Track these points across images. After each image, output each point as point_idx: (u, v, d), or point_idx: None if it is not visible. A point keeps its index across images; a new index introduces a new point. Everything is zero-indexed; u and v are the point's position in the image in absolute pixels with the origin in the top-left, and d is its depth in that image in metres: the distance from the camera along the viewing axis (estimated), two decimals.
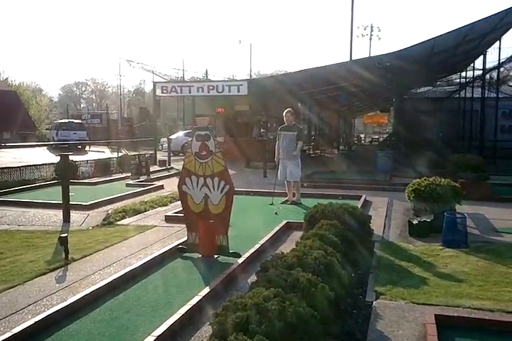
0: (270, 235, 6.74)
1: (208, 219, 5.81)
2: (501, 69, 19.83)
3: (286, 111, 9.77)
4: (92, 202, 9.45)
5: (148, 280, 5.11)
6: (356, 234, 5.73)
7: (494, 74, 20.14)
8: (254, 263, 5.37)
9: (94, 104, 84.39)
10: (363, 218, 6.32)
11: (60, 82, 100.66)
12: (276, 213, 8.68)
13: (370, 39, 47.18)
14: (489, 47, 19.50)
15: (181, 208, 8.44)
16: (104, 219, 8.41)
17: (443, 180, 8.01)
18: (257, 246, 6.11)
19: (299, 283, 3.56)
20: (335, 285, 3.94)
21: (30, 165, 13.74)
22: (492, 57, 19.65)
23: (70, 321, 4.00)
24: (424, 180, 8.13)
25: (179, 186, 6.04)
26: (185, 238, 6.16)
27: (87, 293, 4.47)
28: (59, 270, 5.52)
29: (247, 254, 5.73)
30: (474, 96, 21.93)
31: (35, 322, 3.83)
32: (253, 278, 4.26)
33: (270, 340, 2.75)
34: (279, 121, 9.71)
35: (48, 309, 4.20)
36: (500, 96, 19.53)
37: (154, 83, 20.67)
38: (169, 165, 18.61)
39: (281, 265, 4.03)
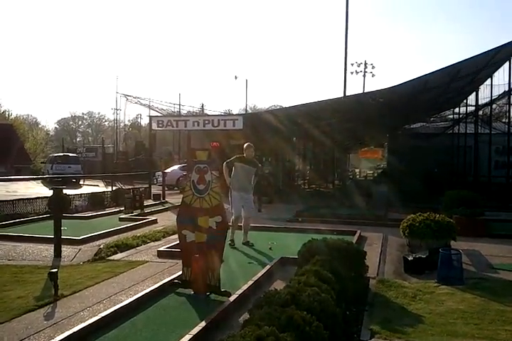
0: (264, 271, 6.65)
1: (202, 255, 5.72)
2: (493, 106, 20.12)
3: (247, 144, 9.30)
4: (84, 236, 9.34)
5: (139, 317, 4.99)
6: (351, 270, 5.66)
7: (487, 110, 20.43)
8: (248, 300, 5.28)
9: (90, 138, 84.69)
10: (358, 254, 6.26)
11: (57, 115, 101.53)
12: (270, 248, 8.60)
13: (364, 76, 47.93)
14: (481, 84, 19.87)
15: (174, 243, 8.44)
16: (95, 254, 8.30)
17: (437, 215, 8.00)
18: (250, 282, 6.02)
19: (293, 321, 3.48)
20: (329, 324, 3.86)
21: (23, 199, 13.66)
22: (485, 93, 19.98)
23: None
24: (419, 215, 8.12)
25: (178, 219, 6.01)
26: (179, 273, 6.07)
27: (75, 330, 4.36)
28: (48, 306, 5.40)
29: (240, 291, 5.63)
30: (468, 132, 22.18)
31: None
32: (246, 315, 4.17)
33: None
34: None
35: None
36: (493, 132, 19.74)
37: (150, 117, 20.81)
38: (163, 199, 18.53)
39: (275, 302, 3.96)
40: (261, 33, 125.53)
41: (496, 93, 19.06)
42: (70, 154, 36.80)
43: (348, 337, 4.43)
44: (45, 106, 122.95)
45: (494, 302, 5.56)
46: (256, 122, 18.76)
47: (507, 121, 18.15)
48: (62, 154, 35.93)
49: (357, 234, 9.70)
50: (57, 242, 8.16)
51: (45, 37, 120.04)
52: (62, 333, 4.35)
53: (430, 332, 4.60)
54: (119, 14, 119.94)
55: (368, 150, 40.16)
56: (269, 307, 3.79)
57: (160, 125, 19.59)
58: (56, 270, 5.96)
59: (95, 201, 15.67)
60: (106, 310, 5.05)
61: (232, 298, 5.40)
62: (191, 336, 4.19)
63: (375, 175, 39.22)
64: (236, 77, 51.12)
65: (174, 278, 6.11)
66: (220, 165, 9.01)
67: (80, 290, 6.01)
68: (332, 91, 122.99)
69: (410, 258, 7.27)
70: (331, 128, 22.89)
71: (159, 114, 26.54)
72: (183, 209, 5.98)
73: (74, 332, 4.32)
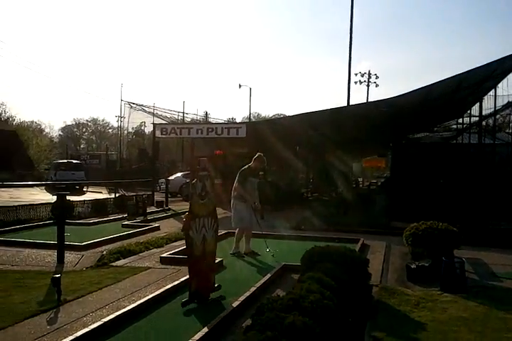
0: (266, 278, 6.65)
1: (204, 260, 5.74)
2: (497, 116, 20.14)
3: (259, 155, 8.98)
4: (87, 242, 9.35)
5: (141, 323, 5.00)
6: (354, 277, 5.65)
7: (491, 121, 20.45)
8: (250, 306, 5.28)
9: (94, 145, 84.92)
10: (361, 262, 6.25)
11: (61, 122, 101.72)
12: (273, 255, 8.58)
13: (368, 85, 48.11)
14: (485, 94, 19.88)
15: (177, 250, 8.48)
16: (98, 260, 8.31)
17: (441, 224, 7.99)
18: (253, 289, 6.02)
19: (295, 327, 3.48)
20: (332, 330, 3.86)
21: (27, 205, 13.69)
22: (488, 104, 20.00)
23: None
24: (422, 224, 8.11)
25: (186, 230, 5.78)
26: (182, 278, 6.07)
27: (78, 335, 4.37)
28: (51, 311, 5.41)
29: (242, 297, 5.63)
30: (471, 142, 22.14)
31: None
32: (249, 321, 4.17)
33: None
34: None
35: None
36: (497, 142, 19.72)
37: (154, 125, 20.86)
38: (166, 206, 18.55)
39: (278, 308, 3.96)
40: (265, 41, 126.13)
41: (500, 104, 19.08)
42: (74, 161, 36.84)
43: None
44: (49, 113, 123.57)
45: (497, 310, 5.56)
46: (259, 130, 18.80)
47: (511, 131, 18.16)
48: (65, 161, 36.01)
49: (360, 242, 9.69)
50: (61, 248, 8.17)
51: (50, 43, 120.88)
52: (65, 338, 4.36)
53: (433, 339, 4.59)
54: (124, 22, 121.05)
55: (372, 159, 40.17)
56: (271, 313, 3.79)
57: (164, 132, 19.64)
58: (59, 275, 5.98)
59: (98, 207, 15.68)
60: (109, 315, 5.05)
61: (234, 304, 5.40)
62: None
63: (379, 184, 39.20)
64: (240, 86, 51.41)
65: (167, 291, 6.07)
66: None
67: (83, 296, 6.02)
68: (336, 100, 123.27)
69: (413, 266, 7.26)
70: (333, 137, 22.94)
71: (163, 122, 26.63)
72: (192, 218, 5.92)
73: (76, 337, 4.33)
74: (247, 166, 9.02)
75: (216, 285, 5.81)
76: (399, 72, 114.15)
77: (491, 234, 10.81)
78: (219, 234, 6.82)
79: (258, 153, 9.11)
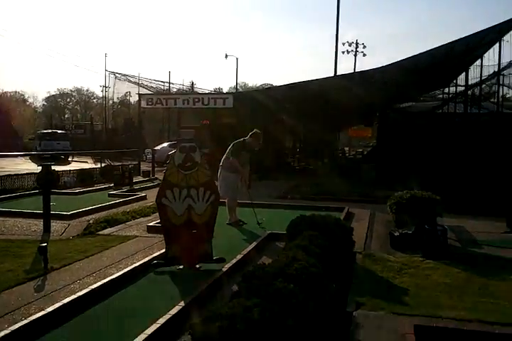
0: (253, 246, 6.73)
1: (191, 230, 5.78)
2: (483, 86, 20.18)
3: (255, 132, 8.92)
4: (73, 211, 9.34)
5: (129, 290, 5.06)
6: (338, 245, 5.75)
7: (476, 90, 20.51)
8: (237, 273, 5.35)
9: (78, 115, 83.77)
10: (346, 230, 6.35)
11: (45, 93, 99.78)
12: (259, 223, 8.63)
13: (355, 55, 47.76)
14: (472, 64, 19.88)
15: None
16: (85, 229, 8.32)
17: (425, 193, 8.09)
18: (239, 256, 6.09)
19: (280, 294, 3.55)
20: (316, 296, 3.94)
21: (12, 175, 13.60)
22: (475, 74, 20.01)
23: (47, 330, 3.94)
24: (406, 193, 8.20)
25: (158, 199, 5.88)
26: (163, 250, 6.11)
27: (66, 302, 4.41)
28: (38, 279, 5.44)
29: (229, 265, 5.71)
30: (457, 111, 22.24)
31: (12, 331, 3.77)
32: (235, 288, 4.24)
33: None
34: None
35: (25, 318, 4.13)
36: (482, 112, 19.82)
37: (140, 95, 20.66)
38: (153, 175, 18.54)
39: (263, 276, 4.02)
40: (252, 10, 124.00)
41: (486, 73, 19.12)
42: (59, 131, 36.46)
43: (335, 309, 4.53)
44: (33, 84, 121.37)
45: (478, 276, 5.69)
46: (246, 100, 18.69)
47: (496, 101, 18.22)
48: (50, 131, 35.60)
49: (345, 211, 9.81)
50: (47, 217, 8.17)
51: (34, 13, 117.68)
52: (52, 305, 4.40)
53: (415, 304, 4.71)
54: None
55: (358, 129, 40.19)
56: (257, 281, 3.86)
57: (149, 103, 19.48)
58: (46, 244, 6.00)
59: (84, 177, 15.61)
60: (96, 283, 5.10)
61: (222, 271, 5.48)
62: (181, 307, 4.27)
63: (365, 153, 39.38)
64: (226, 56, 50.75)
65: (157, 255, 6.13)
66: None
67: (70, 264, 6.05)
68: (323, 70, 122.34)
69: (396, 233, 7.38)
70: (320, 107, 22.87)
71: (149, 92, 26.33)
72: (167, 187, 5.89)
73: (64, 304, 4.37)
74: (242, 139, 8.97)
75: (218, 258, 5.78)
76: (387, 41, 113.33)
77: (474, 202, 10.98)
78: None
79: (255, 130, 9.01)
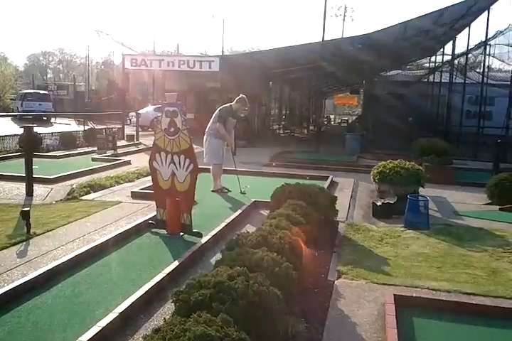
0: (237, 214, 6.75)
1: (175, 197, 5.79)
2: (469, 55, 20.05)
3: (242, 97, 8.72)
4: (56, 175, 9.25)
5: (112, 256, 5.07)
6: (321, 214, 5.80)
7: (463, 60, 20.39)
8: (220, 241, 5.39)
9: (61, 75, 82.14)
10: (329, 199, 6.40)
11: (27, 51, 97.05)
12: (242, 192, 8.64)
13: (344, 20, 47.31)
14: (459, 33, 19.70)
15: (148, 184, 8.45)
16: (68, 194, 8.26)
17: (407, 163, 8.14)
18: (223, 224, 6.12)
19: (263, 262, 3.59)
20: (298, 265, 4.00)
21: None
22: (461, 43, 19.88)
23: (30, 297, 3.95)
24: (390, 162, 8.24)
25: (150, 162, 5.99)
26: (154, 214, 6.14)
27: (49, 268, 4.41)
28: (20, 244, 5.42)
29: (213, 232, 5.73)
30: (442, 81, 22.17)
31: None
32: (218, 256, 4.27)
33: (233, 318, 2.77)
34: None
35: (7, 284, 4.14)
36: (467, 82, 19.78)
37: (123, 55, 20.20)
38: (137, 140, 18.36)
39: (247, 244, 4.06)
40: None
41: (473, 43, 18.96)
42: (41, 91, 35.71)
43: (316, 278, 4.60)
44: (14, 42, 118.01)
45: (457, 247, 5.80)
46: (232, 65, 18.41)
47: (482, 71, 18.14)
48: (32, 91, 34.87)
49: (329, 180, 9.86)
50: (29, 181, 8.08)
51: None
52: (35, 270, 4.40)
53: (395, 274, 4.80)
54: None
55: (344, 97, 40.09)
56: (240, 249, 3.89)
57: (133, 64, 19.09)
58: (28, 209, 5.95)
59: (67, 140, 15.36)
60: (79, 248, 5.10)
61: (205, 239, 5.50)
62: (165, 275, 4.30)
63: (350, 121, 39.42)
64: (213, 16, 49.85)
65: (149, 219, 6.19)
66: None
67: (53, 229, 6.02)
68: (311, 35, 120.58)
69: (379, 203, 7.46)
70: (307, 73, 22.66)
71: (133, 52, 25.79)
72: (156, 151, 5.93)
73: (47, 270, 4.37)
74: (228, 105, 8.83)
75: (196, 231, 5.75)
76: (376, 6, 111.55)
77: (456, 172, 11.13)
78: None
79: (241, 95, 8.82)
